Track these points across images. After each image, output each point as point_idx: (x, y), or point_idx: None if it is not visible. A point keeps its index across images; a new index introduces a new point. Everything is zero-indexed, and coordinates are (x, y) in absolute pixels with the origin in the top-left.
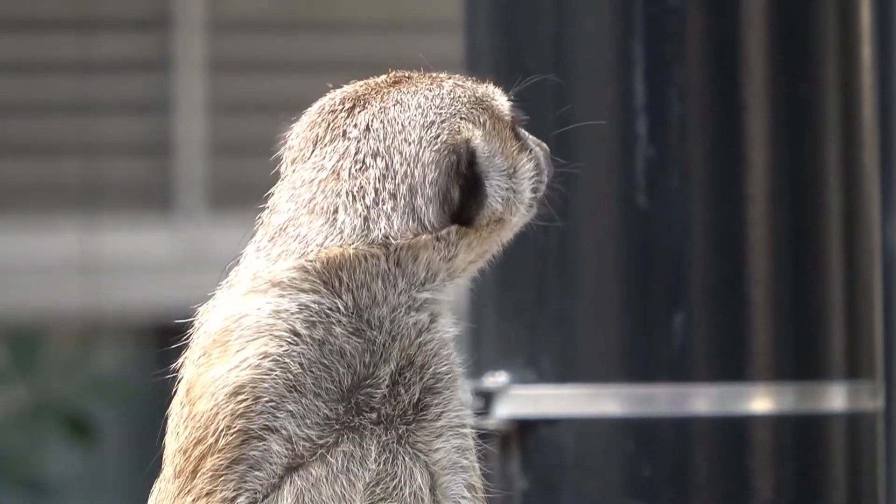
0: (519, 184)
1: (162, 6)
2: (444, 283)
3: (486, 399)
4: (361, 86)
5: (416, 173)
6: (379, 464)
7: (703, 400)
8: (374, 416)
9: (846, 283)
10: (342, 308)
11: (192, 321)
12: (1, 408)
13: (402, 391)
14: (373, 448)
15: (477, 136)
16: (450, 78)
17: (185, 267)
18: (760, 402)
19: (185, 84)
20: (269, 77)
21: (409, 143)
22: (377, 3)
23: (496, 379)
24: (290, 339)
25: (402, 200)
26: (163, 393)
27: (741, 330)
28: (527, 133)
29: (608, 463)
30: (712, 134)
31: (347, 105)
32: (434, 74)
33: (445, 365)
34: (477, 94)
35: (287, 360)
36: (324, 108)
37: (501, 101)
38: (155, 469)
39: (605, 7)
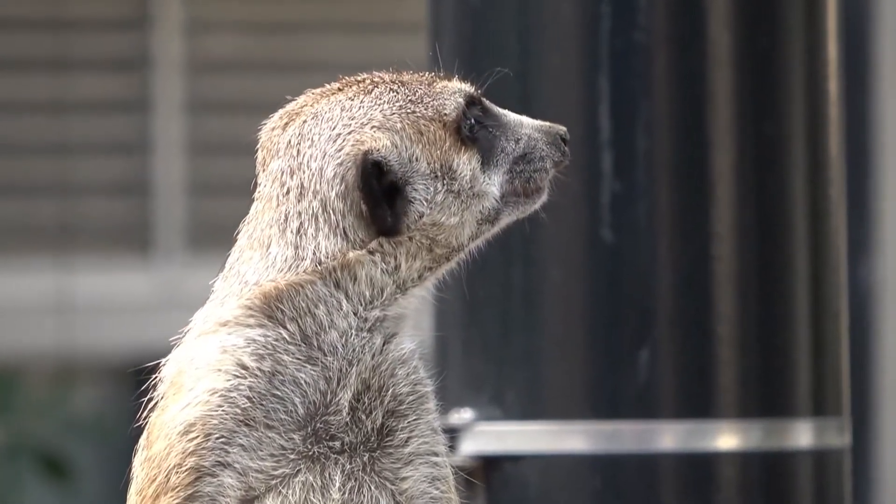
0: (458, 183)
1: (140, 46)
2: (394, 297)
3: (452, 436)
4: (305, 96)
5: (324, 189)
6: (344, 493)
7: (669, 436)
8: (336, 444)
9: (813, 319)
10: (288, 337)
11: (165, 364)
12: None
13: (364, 417)
14: (337, 477)
15: (384, 145)
16: (392, 81)
17: (164, 307)
18: (727, 438)
19: (163, 124)
20: (247, 117)
21: (315, 159)
22: (353, 43)
23: (461, 415)
24: (236, 373)
25: (322, 220)
26: (140, 433)
27: (707, 366)
28: (503, 122)
29: (573, 500)
30: (678, 169)
31: (283, 121)
32: (381, 77)
33: (406, 385)
34: (410, 97)
35: (234, 393)
36: (268, 127)
37: (443, 101)
38: None
39: (571, 43)
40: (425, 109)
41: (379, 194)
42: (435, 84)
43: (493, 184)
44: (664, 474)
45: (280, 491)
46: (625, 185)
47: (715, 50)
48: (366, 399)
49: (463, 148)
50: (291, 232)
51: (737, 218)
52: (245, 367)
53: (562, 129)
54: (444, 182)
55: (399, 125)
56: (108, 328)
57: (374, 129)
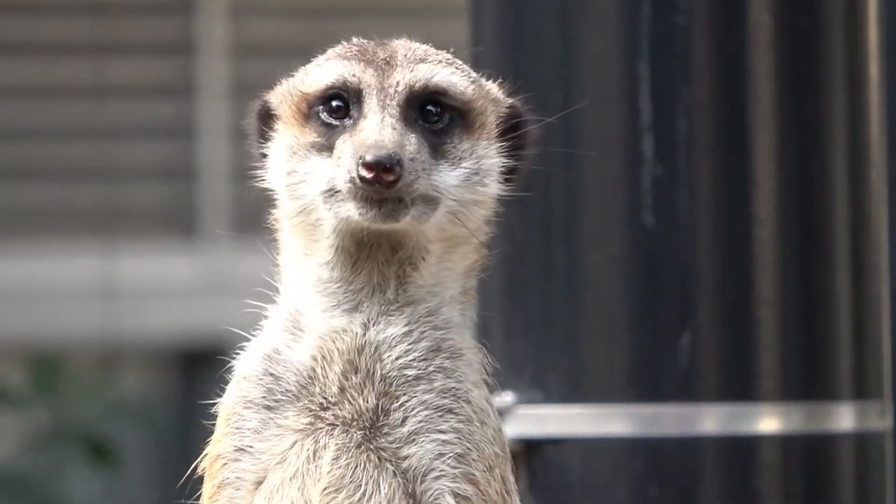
0: (281, 153)
1: (185, 30)
2: (315, 274)
3: None
4: None
5: None
6: (339, 466)
7: (711, 420)
8: (329, 415)
9: (854, 302)
10: (281, 315)
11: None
12: (22, 432)
13: (356, 394)
14: (331, 446)
15: (275, 96)
16: (314, 61)
17: (209, 292)
18: (768, 422)
19: (208, 108)
20: None
21: None
22: (397, 27)
23: (503, 399)
24: (246, 357)
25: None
26: (186, 417)
27: (749, 349)
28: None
29: (615, 483)
30: (719, 153)
31: None
32: None
33: (392, 370)
34: (305, 70)
35: (242, 378)
36: None
37: (309, 81)
38: (180, 493)
39: (612, 27)
40: (302, 85)
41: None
42: (331, 54)
43: (322, 172)
44: (705, 457)
45: (280, 465)
46: (666, 169)
47: (755, 32)
48: (356, 379)
49: (306, 126)
50: None
51: (778, 201)
52: (254, 349)
53: (369, 151)
54: (282, 153)
55: (287, 85)
56: (153, 313)
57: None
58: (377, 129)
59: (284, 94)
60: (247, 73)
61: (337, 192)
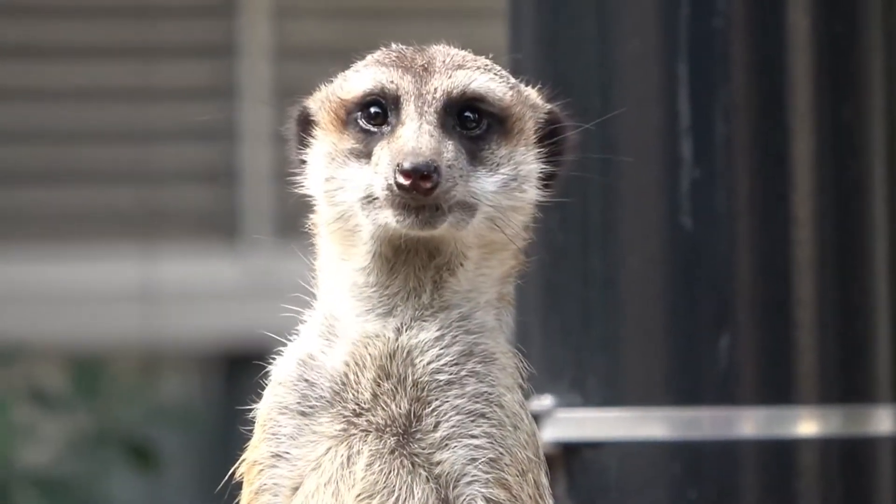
0: (320, 158)
1: (227, 32)
2: (351, 279)
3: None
4: None
5: None
6: (373, 473)
7: (749, 423)
8: (362, 421)
9: (892, 303)
10: (317, 322)
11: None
12: (64, 435)
13: (388, 401)
14: (364, 452)
15: (314, 101)
16: (353, 68)
17: (251, 295)
18: (807, 425)
19: (250, 111)
20: None
21: None
22: (439, 30)
23: (541, 403)
24: (282, 364)
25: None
26: (226, 420)
27: (787, 352)
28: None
29: (653, 486)
30: (757, 155)
31: None
32: None
33: (424, 375)
34: (342, 77)
35: (278, 384)
36: None
37: (347, 87)
38: (220, 497)
39: (650, 29)
40: (340, 91)
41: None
42: (367, 62)
43: (360, 179)
44: (744, 461)
45: (315, 471)
46: (704, 171)
47: (793, 35)
48: (388, 385)
49: (345, 132)
50: None
51: (816, 203)
52: (290, 355)
53: (406, 159)
54: (321, 159)
55: (326, 91)
56: (194, 316)
57: (324, 87)
58: (415, 136)
59: (323, 101)
60: (289, 75)
61: (375, 199)
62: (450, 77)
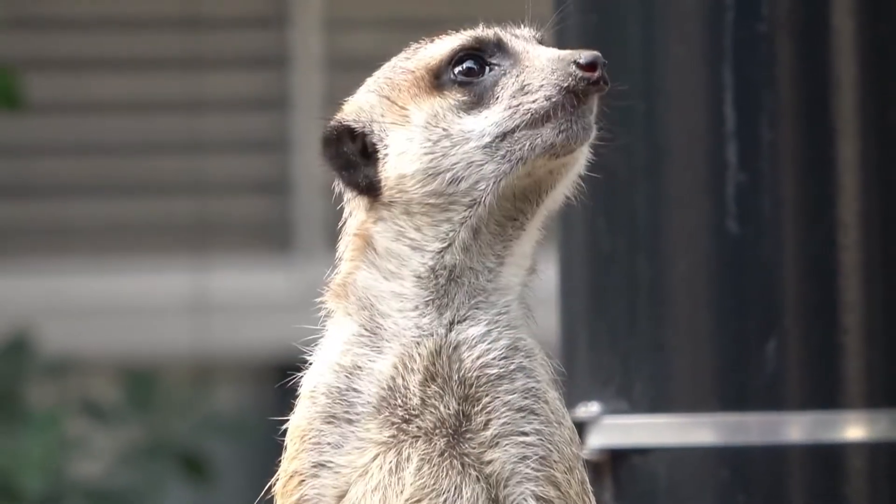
0: (435, 129)
1: (279, 43)
2: (435, 272)
3: (579, 429)
4: None
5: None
6: (422, 476)
7: (797, 428)
8: (412, 427)
9: None
10: (358, 329)
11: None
12: (117, 447)
13: (437, 403)
14: (414, 458)
15: (351, 108)
16: (420, 42)
17: (304, 306)
18: (854, 429)
19: (302, 122)
20: None
21: None
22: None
23: (589, 409)
24: (320, 372)
25: (344, 197)
26: (280, 431)
27: (834, 357)
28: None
29: (701, 492)
30: (803, 159)
31: None
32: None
33: (473, 370)
34: (408, 55)
35: (317, 393)
36: None
37: (433, 51)
38: None
39: (695, 33)
40: (409, 63)
41: (351, 158)
42: (441, 37)
43: (483, 123)
44: (792, 466)
45: (363, 478)
46: (750, 175)
47: (838, 38)
48: (434, 387)
49: (442, 93)
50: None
51: (862, 207)
52: (327, 365)
53: (582, 54)
54: (419, 131)
55: (375, 84)
56: (247, 327)
57: (365, 94)
58: (560, 51)
59: (390, 84)
60: (341, 85)
61: (511, 132)
62: (525, 27)
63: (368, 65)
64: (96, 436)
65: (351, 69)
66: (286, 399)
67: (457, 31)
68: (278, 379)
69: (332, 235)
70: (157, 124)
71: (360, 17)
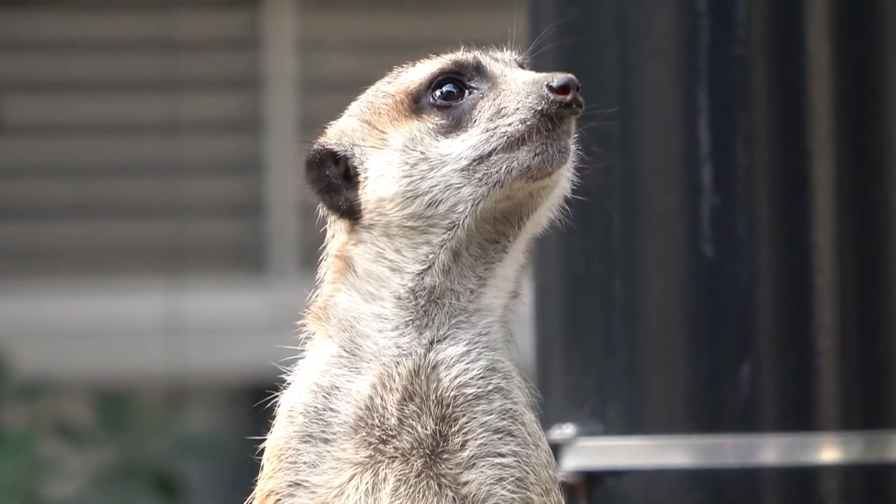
0: (413, 152)
1: (253, 65)
2: (415, 293)
3: (554, 451)
4: None
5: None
6: (398, 498)
7: (771, 450)
8: (389, 448)
9: None
10: (337, 349)
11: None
12: (90, 468)
13: (414, 423)
14: (390, 479)
15: (332, 132)
16: (402, 67)
17: (278, 328)
18: (829, 451)
19: (276, 144)
20: None
21: None
22: None
23: (563, 431)
24: (298, 392)
25: (327, 220)
26: (254, 452)
27: (808, 379)
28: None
29: None
30: (778, 182)
31: None
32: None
33: (451, 389)
34: (389, 79)
35: (294, 412)
36: None
37: (413, 75)
38: None
39: (670, 56)
40: (390, 87)
41: (333, 181)
42: (422, 61)
43: (460, 147)
44: (766, 488)
45: (339, 498)
46: (725, 198)
47: (813, 61)
48: (412, 406)
49: (421, 116)
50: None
51: (837, 229)
52: (305, 385)
53: (555, 77)
54: (397, 154)
55: (357, 108)
56: (221, 348)
57: (347, 118)
58: (536, 74)
59: (371, 108)
60: (315, 107)
61: (488, 155)
62: (506, 50)
63: (342, 87)
64: (70, 457)
65: (324, 91)
66: (259, 420)
67: (437, 54)
68: (252, 400)
69: (306, 257)
70: (132, 146)
71: (333, 39)
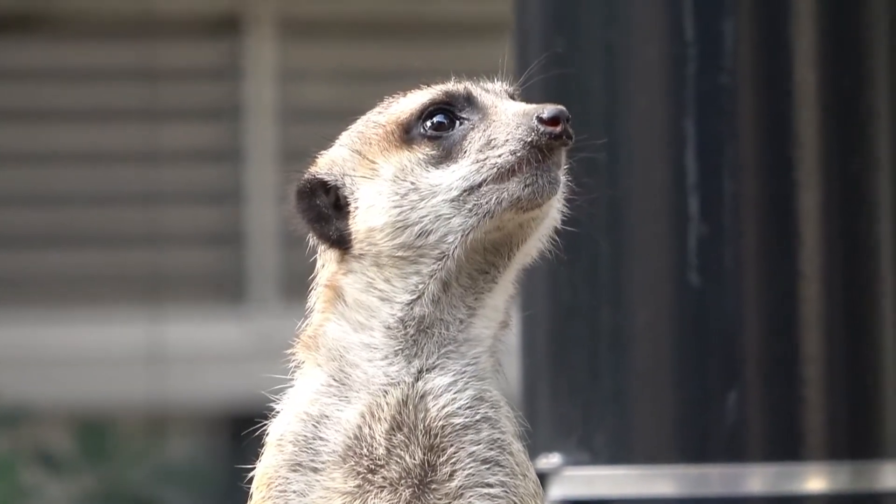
0: (404, 183)
1: (233, 95)
2: (404, 323)
3: (541, 480)
4: None
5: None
6: None
7: (758, 479)
8: (377, 478)
9: None
10: (327, 379)
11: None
12: (71, 497)
13: (402, 453)
14: None
15: (323, 162)
16: (394, 97)
17: (257, 357)
18: (815, 481)
19: (256, 173)
20: None
21: None
22: None
23: (550, 460)
24: (287, 421)
25: (317, 249)
26: (234, 481)
27: (795, 409)
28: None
29: None
30: (765, 211)
31: None
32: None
33: (439, 420)
34: (380, 109)
35: (284, 441)
36: None
37: (404, 106)
38: None
39: (657, 85)
40: (381, 117)
41: (324, 211)
42: (413, 91)
43: (451, 177)
44: None
45: None
46: (711, 228)
47: (800, 90)
48: (400, 436)
49: (411, 147)
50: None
51: (823, 259)
52: (295, 414)
53: (546, 109)
54: (388, 184)
55: (348, 138)
56: (201, 378)
57: (337, 149)
58: (526, 105)
59: (361, 138)
60: (294, 137)
61: (478, 186)
62: (496, 81)
63: (322, 116)
64: (50, 485)
65: (304, 121)
66: (240, 449)
67: (426, 84)
68: (231, 429)
69: (286, 287)
70: (112, 175)
71: (313, 69)
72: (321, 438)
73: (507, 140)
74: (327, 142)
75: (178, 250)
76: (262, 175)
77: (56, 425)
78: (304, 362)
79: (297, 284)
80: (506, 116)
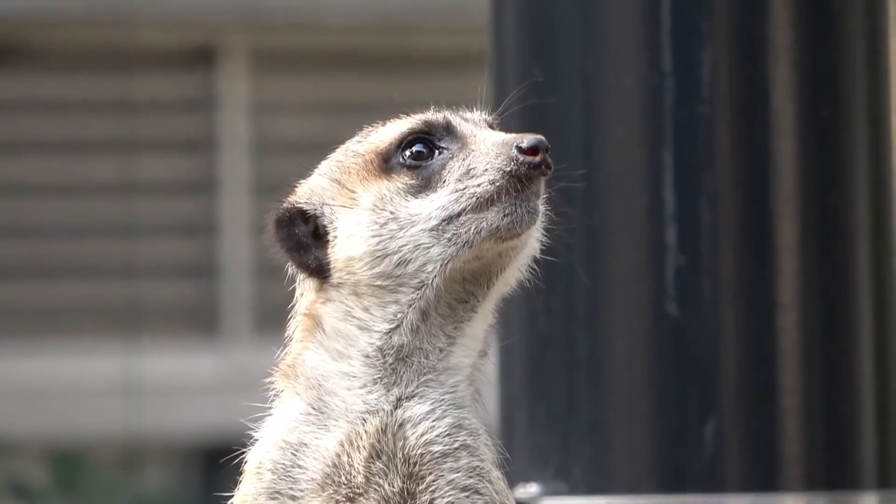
0: (383, 212)
1: (207, 128)
2: (383, 352)
3: None
4: None
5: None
6: None
7: None
8: None
9: (878, 390)
10: (306, 407)
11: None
12: None
13: (381, 481)
14: None
15: (302, 191)
16: (373, 126)
17: (231, 389)
18: None
19: (230, 205)
20: None
21: None
22: None
23: (527, 490)
24: (266, 449)
25: (296, 278)
26: None
27: (773, 439)
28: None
29: None
30: (742, 241)
31: None
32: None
33: (417, 448)
34: (360, 139)
35: (263, 469)
36: None
37: (383, 135)
38: None
39: (635, 115)
40: (360, 146)
41: (302, 239)
42: (392, 120)
43: (430, 207)
44: None
45: None
46: (689, 258)
47: (778, 121)
48: (379, 464)
49: (390, 176)
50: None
51: (801, 289)
52: (273, 442)
53: (525, 138)
54: (367, 214)
55: (327, 167)
56: (175, 409)
57: (316, 178)
58: (505, 135)
59: (341, 167)
60: (268, 169)
61: (457, 215)
62: (475, 110)
63: (295, 149)
64: None
65: (278, 153)
66: (214, 480)
67: (406, 114)
68: (205, 460)
69: (259, 319)
70: (87, 207)
71: (287, 101)
72: (300, 466)
73: (487, 170)
74: (304, 171)
75: (154, 282)
76: (237, 207)
77: (31, 457)
78: (282, 391)
79: (270, 316)
80: (485, 146)
